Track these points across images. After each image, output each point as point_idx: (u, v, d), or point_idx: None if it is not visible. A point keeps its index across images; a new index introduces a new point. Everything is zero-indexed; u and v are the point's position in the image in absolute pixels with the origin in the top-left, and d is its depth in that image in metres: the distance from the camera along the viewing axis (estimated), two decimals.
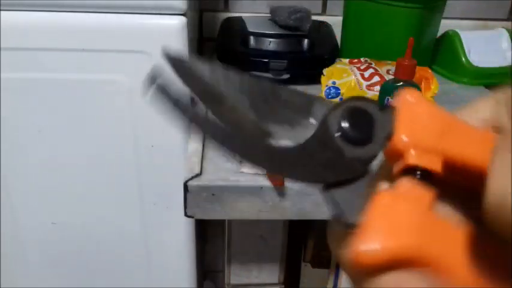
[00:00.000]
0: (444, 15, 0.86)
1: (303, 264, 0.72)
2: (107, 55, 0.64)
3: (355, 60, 0.74)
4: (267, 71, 0.79)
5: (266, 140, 0.19)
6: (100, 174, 0.74)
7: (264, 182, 0.53)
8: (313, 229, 0.69)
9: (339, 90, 0.69)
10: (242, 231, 0.65)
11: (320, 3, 1.00)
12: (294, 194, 0.53)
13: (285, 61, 0.78)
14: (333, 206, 0.19)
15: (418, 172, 0.18)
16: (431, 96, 0.69)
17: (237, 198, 0.53)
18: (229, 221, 0.64)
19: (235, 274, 0.69)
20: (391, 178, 0.19)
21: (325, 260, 0.69)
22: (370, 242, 0.16)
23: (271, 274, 0.69)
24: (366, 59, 0.74)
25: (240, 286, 0.70)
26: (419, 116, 0.19)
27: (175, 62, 0.22)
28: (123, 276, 0.84)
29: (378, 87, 0.66)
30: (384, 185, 0.19)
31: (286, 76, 0.80)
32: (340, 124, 0.19)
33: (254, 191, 0.53)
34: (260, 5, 0.98)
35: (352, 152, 0.19)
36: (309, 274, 0.73)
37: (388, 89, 0.61)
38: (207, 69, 0.21)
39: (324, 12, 1.01)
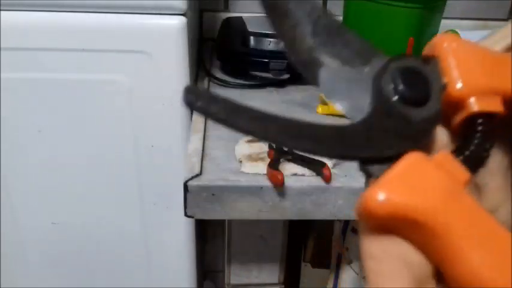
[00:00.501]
0: (444, 15, 0.86)
1: (303, 264, 0.72)
2: (107, 55, 0.64)
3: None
4: (267, 71, 0.79)
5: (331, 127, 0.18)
6: (100, 174, 0.74)
7: (264, 182, 0.53)
8: (313, 229, 0.69)
9: None
10: (242, 231, 0.65)
11: (320, 2, 1.00)
12: (294, 194, 0.53)
13: (285, 61, 0.78)
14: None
15: (480, 121, 0.17)
16: None
17: (237, 198, 0.53)
18: (229, 221, 0.64)
19: (235, 274, 0.69)
20: (452, 129, 0.18)
21: (325, 260, 0.69)
22: (379, 191, 0.16)
23: (271, 274, 0.69)
24: None
25: (240, 286, 0.70)
26: (465, 59, 0.18)
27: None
28: (123, 276, 0.84)
29: None
30: (442, 133, 0.19)
31: (286, 76, 0.80)
32: (396, 88, 0.18)
33: (254, 191, 0.53)
34: (260, 5, 0.98)
35: (418, 114, 0.18)
36: (309, 274, 0.73)
37: None
38: None
39: None
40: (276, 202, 0.53)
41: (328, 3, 1.00)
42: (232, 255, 0.67)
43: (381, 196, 0.16)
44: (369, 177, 0.18)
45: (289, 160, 0.56)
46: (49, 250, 0.81)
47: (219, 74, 0.84)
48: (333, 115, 0.71)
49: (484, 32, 0.93)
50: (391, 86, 0.18)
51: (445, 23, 0.89)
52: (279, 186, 0.52)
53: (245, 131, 0.20)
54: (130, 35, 0.63)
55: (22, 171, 0.73)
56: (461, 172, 0.17)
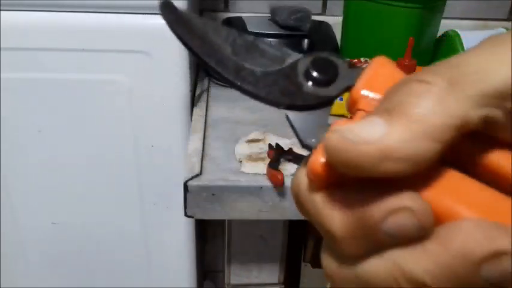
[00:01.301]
0: (444, 15, 0.86)
1: (303, 264, 0.72)
2: (107, 55, 0.64)
3: (355, 60, 0.74)
4: None
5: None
6: (100, 174, 0.74)
7: (264, 182, 0.53)
8: (313, 229, 0.69)
9: None
10: (242, 231, 0.65)
11: (320, 3, 1.00)
12: None
13: None
14: (290, 126, 0.22)
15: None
16: None
17: (237, 198, 0.53)
18: (229, 221, 0.64)
19: (235, 274, 0.69)
20: None
21: None
22: (319, 154, 0.18)
23: (271, 274, 0.69)
24: (366, 59, 0.74)
25: (240, 286, 0.70)
26: (379, 75, 0.21)
27: (171, 10, 0.25)
28: (123, 276, 0.84)
29: None
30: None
31: None
32: (307, 67, 0.22)
33: (254, 191, 0.53)
34: (260, 5, 0.98)
35: (311, 88, 0.22)
36: (309, 274, 0.73)
37: None
38: (200, 22, 0.24)
39: (324, 12, 1.01)
40: (276, 202, 0.53)
41: (328, 3, 1.00)
42: (232, 255, 0.67)
43: (323, 158, 0.18)
44: (292, 127, 0.22)
45: (289, 160, 0.56)
46: (49, 250, 0.81)
47: None
48: (332, 115, 0.71)
49: (484, 32, 0.93)
50: (304, 64, 0.22)
51: (445, 23, 0.89)
52: (279, 186, 0.52)
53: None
54: (130, 35, 0.63)
55: (22, 171, 0.73)
56: None
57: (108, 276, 0.84)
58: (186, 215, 0.54)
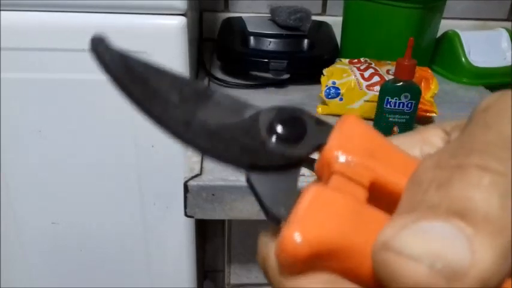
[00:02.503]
0: (444, 15, 0.86)
1: None
2: None
3: (355, 60, 0.74)
4: (267, 71, 0.79)
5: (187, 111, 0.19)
6: (100, 174, 0.74)
7: None
8: None
9: (339, 90, 0.69)
10: (242, 231, 0.65)
11: (320, 3, 1.00)
12: None
13: (285, 61, 0.78)
14: (251, 191, 0.19)
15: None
16: (431, 96, 0.69)
17: (237, 198, 0.53)
18: (229, 221, 0.64)
19: (235, 274, 0.69)
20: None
21: None
22: (293, 233, 0.15)
23: None
24: (366, 59, 0.74)
25: (240, 286, 0.70)
26: (353, 135, 0.18)
27: (105, 47, 0.20)
28: (123, 276, 0.84)
29: (377, 87, 0.66)
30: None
31: (286, 76, 0.80)
32: (270, 120, 0.19)
33: None
34: (260, 5, 0.98)
35: (276, 146, 0.19)
36: None
37: (388, 89, 0.61)
38: (140, 64, 0.20)
39: (324, 12, 1.01)
40: None
41: (328, 3, 1.00)
42: (232, 255, 0.67)
43: (298, 238, 0.16)
44: (254, 193, 0.19)
45: None
46: (49, 250, 0.81)
47: (219, 74, 0.84)
48: (332, 115, 0.71)
49: (484, 32, 0.93)
50: (267, 118, 0.19)
51: (444, 23, 0.89)
52: None
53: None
54: (130, 35, 0.63)
55: (22, 171, 0.73)
56: (358, 189, 0.17)
57: (108, 276, 0.84)
58: (186, 215, 0.54)
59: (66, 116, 0.69)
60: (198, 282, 0.88)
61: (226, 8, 1.00)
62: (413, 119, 0.62)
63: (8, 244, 0.80)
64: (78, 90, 0.67)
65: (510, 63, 0.89)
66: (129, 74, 0.19)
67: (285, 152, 0.18)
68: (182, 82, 0.20)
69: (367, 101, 0.68)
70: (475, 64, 0.87)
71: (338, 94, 0.69)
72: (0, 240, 0.79)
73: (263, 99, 0.76)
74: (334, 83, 0.69)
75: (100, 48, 0.20)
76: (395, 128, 0.63)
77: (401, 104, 0.61)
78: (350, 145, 0.18)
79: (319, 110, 0.72)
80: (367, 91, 0.68)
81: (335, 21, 0.93)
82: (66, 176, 0.74)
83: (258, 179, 0.19)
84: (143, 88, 0.19)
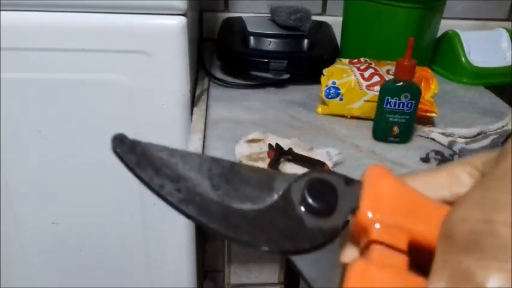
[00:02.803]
0: (444, 15, 0.86)
1: None
2: (107, 55, 0.64)
3: (355, 60, 0.74)
4: (267, 71, 0.79)
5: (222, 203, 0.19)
6: (100, 174, 0.74)
7: None
8: None
9: (339, 90, 0.69)
10: None
11: (320, 3, 1.00)
12: None
13: (285, 61, 0.78)
14: (299, 275, 0.18)
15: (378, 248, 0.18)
16: (431, 96, 0.69)
17: None
18: None
19: (235, 274, 0.69)
20: (360, 250, 0.19)
21: None
22: None
23: (271, 274, 0.69)
24: (366, 59, 0.74)
25: (240, 286, 0.70)
26: (384, 193, 0.19)
27: (130, 148, 0.21)
28: (123, 276, 0.84)
29: (377, 87, 0.66)
30: (350, 253, 0.19)
31: (286, 76, 0.80)
32: (303, 194, 0.19)
33: None
34: (260, 5, 0.98)
35: (314, 222, 0.19)
36: None
37: (388, 89, 0.61)
38: (164, 153, 0.20)
39: (324, 12, 1.01)
40: None
41: (328, 3, 1.00)
42: (232, 255, 0.67)
43: None
44: (299, 274, 0.19)
45: (289, 160, 0.56)
46: (49, 250, 0.81)
47: (219, 74, 0.84)
48: (332, 115, 0.71)
49: (484, 32, 0.93)
50: (299, 191, 0.19)
51: (444, 23, 0.89)
52: None
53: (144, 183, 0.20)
54: (130, 35, 0.63)
55: (22, 171, 0.73)
56: (399, 259, 0.18)
57: (108, 276, 0.84)
58: None
59: (66, 116, 0.69)
60: (198, 282, 0.88)
61: (226, 8, 1.00)
62: (413, 119, 0.62)
63: (8, 244, 0.80)
64: (78, 90, 0.67)
65: (510, 63, 0.89)
66: (159, 173, 0.19)
67: (323, 228, 0.19)
68: (208, 163, 0.20)
69: (367, 101, 0.68)
70: (475, 64, 0.87)
71: (338, 94, 0.69)
72: (0, 240, 0.79)
73: (263, 99, 0.76)
74: (334, 83, 0.69)
75: (123, 149, 0.21)
76: (396, 128, 0.63)
77: (401, 104, 0.61)
78: (382, 204, 0.18)
79: (319, 110, 0.72)
80: (367, 91, 0.68)
81: (335, 21, 0.93)
82: (66, 176, 0.74)
83: (302, 261, 0.19)
84: (176, 184, 0.19)
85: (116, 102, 0.68)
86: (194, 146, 0.59)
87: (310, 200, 0.19)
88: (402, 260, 0.18)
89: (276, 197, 0.19)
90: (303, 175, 0.20)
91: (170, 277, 0.84)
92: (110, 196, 0.76)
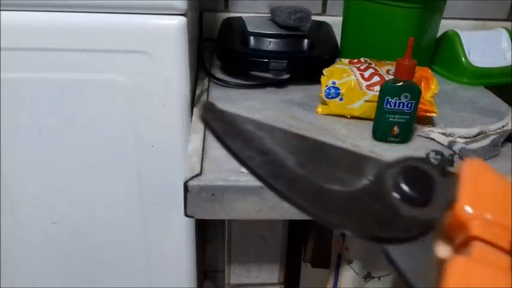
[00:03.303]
0: (444, 15, 0.86)
1: (303, 264, 0.72)
2: (107, 55, 0.64)
3: (355, 60, 0.74)
4: (267, 71, 0.79)
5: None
6: (100, 174, 0.74)
7: None
8: (313, 229, 0.69)
9: (339, 90, 0.69)
10: (242, 231, 0.65)
11: (320, 3, 1.00)
12: None
13: (285, 61, 0.78)
14: (391, 265, 0.18)
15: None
16: (431, 96, 0.69)
17: (237, 198, 0.53)
18: (229, 221, 0.64)
19: (235, 274, 0.69)
20: (455, 246, 0.18)
21: (325, 260, 0.69)
22: None
23: (271, 274, 0.69)
24: (366, 59, 0.74)
25: (240, 286, 0.70)
26: (485, 188, 0.18)
27: (218, 116, 0.20)
28: (123, 276, 0.84)
29: (377, 87, 0.66)
30: (443, 248, 0.18)
31: (286, 76, 0.80)
32: (397, 181, 0.18)
33: (254, 191, 0.53)
34: (260, 5, 0.98)
35: (409, 211, 0.18)
36: (309, 274, 0.73)
37: (388, 89, 0.61)
38: (251, 126, 0.20)
39: (324, 12, 1.01)
40: (276, 202, 0.53)
41: (328, 3, 1.00)
42: (232, 255, 0.67)
43: None
44: (392, 263, 0.18)
45: None
46: (49, 250, 0.81)
47: (219, 74, 0.84)
48: (332, 115, 0.71)
49: (484, 32, 0.93)
50: (393, 178, 0.18)
51: (444, 23, 0.89)
52: None
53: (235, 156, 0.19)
54: (130, 35, 0.63)
55: (22, 171, 0.73)
56: (502, 258, 0.17)
57: (108, 276, 0.84)
58: (186, 215, 0.54)
59: (66, 116, 0.69)
60: (198, 282, 0.88)
61: (226, 8, 1.00)
62: (413, 119, 0.62)
63: (8, 244, 0.80)
64: (78, 90, 0.67)
65: (510, 63, 0.89)
66: (247, 146, 0.19)
67: (418, 218, 0.18)
68: (293, 140, 0.19)
69: (367, 101, 0.68)
70: (475, 64, 0.87)
71: (338, 94, 0.69)
72: (0, 240, 0.79)
73: (263, 99, 0.76)
74: (334, 83, 0.69)
75: (213, 118, 0.20)
76: (396, 128, 0.63)
77: (401, 104, 0.61)
78: (482, 200, 0.17)
79: (319, 110, 0.72)
80: (367, 91, 0.68)
81: (335, 21, 0.93)
82: (66, 176, 0.74)
83: (395, 251, 0.18)
84: (263, 158, 0.19)
85: (115, 102, 0.68)
86: (194, 146, 0.59)
87: (405, 188, 0.18)
88: (505, 260, 0.17)
89: (366, 181, 0.19)
90: (397, 161, 0.19)
91: (170, 277, 0.84)
92: (110, 196, 0.76)
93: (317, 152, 0.19)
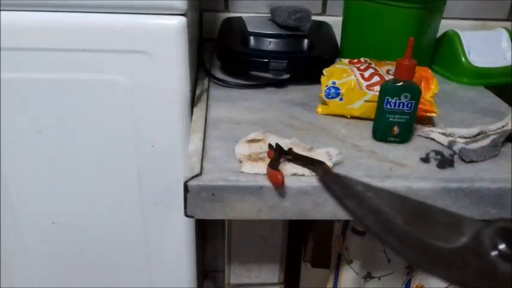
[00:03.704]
0: (444, 15, 0.86)
1: (303, 264, 0.72)
2: (107, 55, 0.64)
3: (355, 60, 0.74)
4: (267, 71, 0.79)
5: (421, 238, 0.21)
6: (100, 174, 0.74)
7: (264, 182, 0.53)
8: (313, 229, 0.69)
9: (339, 90, 0.69)
10: (242, 231, 0.65)
11: (320, 3, 1.00)
12: (294, 194, 0.53)
13: (285, 61, 0.79)
14: None
15: None
16: (431, 96, 0.69)
17: (237, 198, 0.53)
18: (229, 221, 0.64)
19: (235, 274, 0.69)
20: None
21: (325, 260, 0.69)
22: None
23: (271, 274, 0.69)
24: (366, 59, 0.74)
25: (240, 286, 0.70)
26: None
27: (335, 180, 0.23)
28: (123, 276, 0.84)
29: (377, 88, 0.66)
30: None
31: (286, 76, 0.80)
32: (494, 240, 0.20)
33: (254, 191, 0.53)
34: (260, 5, 0.98)
35: (506, 268, 0.20)
36: (309, 274, 0.73)
37: (388, 89, 0.61)
38: (360, 187, 0.23)
39: (324, 12, 1.01)
40: (276, 202, 0.53)
41: (328, 3, 1.00)
42: (232, 255, 0.67)
43: None
44: None
45: (289, 160, 0.56)
46: (49, 250, 0.81)
47: (219, 74, 0.84)
48: (332, 115, 0.71)
49: (484, 32, 0.93)
50: (490, 238, 0.21)
51: (445, 23, 0.89)
52: (279, 186, 0.52)
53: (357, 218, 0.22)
54: (130, 35, 0.63)
55: (22, 171, 0.73)
56: None
57: (108, 276, 0.84)
58: (186, 215, 0.54)
59: (66, 116, 0.69)
60: (198, 282, 0.88)
61: (226, 8, 1.00)
62: (413, 119, 0.62)
63: (8, 244, 0.80)
64: (78, 90, 0.67)
65: (510, 63, 0.89)
66: (361, 206, 0.22)
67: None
68: (398, 201, 0.22)
69: (367, 101, 0.68)
70: (475, 64, 0.87)
71: (338, 94, 0.69)
72: (0, 240, 0.79)
73: (263, 99, 0.76)
74: (334, 83, 0.69)
75: (332, 183, 0.23)
76: (396, 128, 0.63)
77: (401, 104, 0.61)
78: None
79: (319, 110, 0.72)
80: (367, 91, 0.68)
81: (335, 21, 0.93)
82: (66, 176, 0.74)
83: None
84: (375, 217, 0.21)
85: (115, 102, 0.68)
86: (194, 146, 0.59)
87: (503, 246, 0.20)
88: None
89: (465, 239, 0.21)
90: (493, 222, 0.21)
91: (170, 277, 0.84)
92: (110, 196, 0.76)
93: (420, 212, 0.22)
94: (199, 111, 0.70)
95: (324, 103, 0.71)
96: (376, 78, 0.68)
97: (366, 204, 0.22)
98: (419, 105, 0.63)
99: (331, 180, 0.23)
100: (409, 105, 0.61)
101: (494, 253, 0.20)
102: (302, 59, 0.83)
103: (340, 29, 0.90)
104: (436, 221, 0.22)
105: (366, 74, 0.69)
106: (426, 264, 0.20)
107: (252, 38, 0.84)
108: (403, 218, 0.21)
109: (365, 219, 0.21)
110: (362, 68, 0.71)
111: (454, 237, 0.21)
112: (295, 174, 0.54)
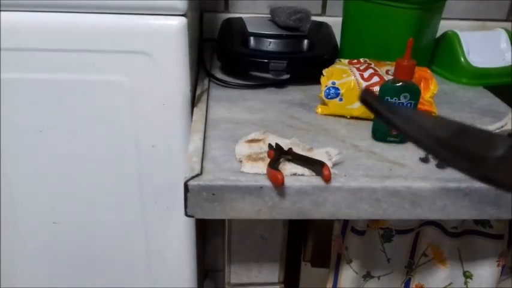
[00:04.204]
0: (443, 15, 0.86)
1: (302, 263, 0.73)
2: (107, 55, 0.64)
3: (355, 61, 0.74)
4: (267, 71, 0.79)
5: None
6: (100, 174, 0.74)
7: (264, 182, 0.53)
8: (313, 229, 0.69)
9: (339, 90, 0.69)
10: (242, 231, 0.65)
11: (320, 3, 1.00)
12: (294, 194, 0.53)
13: (285, 61, 0.79)
14: None
15: None
16: (431, 97, 0.69)
17: (237, 198, 0.53)
18: (229, 221, 0.65)
19: (236, 273, 0.69)
20: None
21: (325, 259, 0.69)
22: None
23: (271, 273, 0.69)
24: (366, 59, 0.74)
25: (240, 285, 0.70)
26: None
27: (374, 97, 0.26)
28: (123, 276, 0.84)
29: (377, 88, 0.66)
30: None
31: (286, 76, 0.80)
32: None
33: (254, 191, 0.53)
34: (260, 5, 0.99)
35: None
36: (309, 274, 0.73)
37: (387, 89, 0.61)
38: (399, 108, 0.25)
39: (324, 12, 1.01)
40: (276, 202, 0.54)
41: (328, 4, 1.00)
42: (232, 255, 0.68)
43: None
44: None
45: (289, 160, 0.56)
46: (50, 250, 0.81)
47: (219, 74, 0.84)
48: (332, 115, 0.71)
49: (483, 33, 0.93)
50: None
51: (444, 24, 0.89)
52: (279, 186, 0.52)
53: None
54: (130, 35, 0.63)
55: (23, 171, 0.73)
56: None
57: (108, 276, 0.85)
58: (186, 214, 0.54)
59: (66, 117, 0.69)
60: (198, 282, 0.89)
61: (226, 9, 1.00)
62: None
63: (8, 244, 0.80)
64: (78, 90, 0.67)
65: (509, 64, 0.89)
66: (402, 119, 0.24)
67: None
68: (440, 120, 0.25)
69: None
70: (474, 64, 0.88)
71: (338, 94, 0.69)
72: (0, 240, 0.79)
73: (263, 99, 0.76)
74: (333, 83, 0.70)
75: (369, 98, 0.25)
76: None
77: (400, 104, 0.61)
78: None
79: (319, 110, 0.72)
80: None
81: (335, 22, 0.93)
82: (67, 176, 0.74)
83: None
84: (423, 132, 0.24)
85: (116, 102, 0.68)
86: (194, 146, 0.59)
87: None
88: None
89: (501, 151, 0.23)
90: None
91: (170, 277, 0.84)
92: (110, 196, 0.76)
93: (459, 128, 0.24)
94: (199, 111, 0.70)
95: (324, 103, 0.72)
96: (375, 79, 0.68)
97: (412, 121, 0.24)
98: (419, 106, 0.63)
99: (374, 99, 0.25)
100: (409, 105, 0.61)
101: None
102: (302, 59, 0.83)
103: (340, 30, 0.90)
104: (473, 135, 0.24)
105: (366, 75, 0.69)
106: (479, 170, 0.22)
107: (252, 38, 0.85)
108: (447, 134, 0.24)
109: (415, 135, 0.24)
110: (361, 68, 0.71)
111: (492, 149, 0.23)
112: (295, 174, 0.54)
